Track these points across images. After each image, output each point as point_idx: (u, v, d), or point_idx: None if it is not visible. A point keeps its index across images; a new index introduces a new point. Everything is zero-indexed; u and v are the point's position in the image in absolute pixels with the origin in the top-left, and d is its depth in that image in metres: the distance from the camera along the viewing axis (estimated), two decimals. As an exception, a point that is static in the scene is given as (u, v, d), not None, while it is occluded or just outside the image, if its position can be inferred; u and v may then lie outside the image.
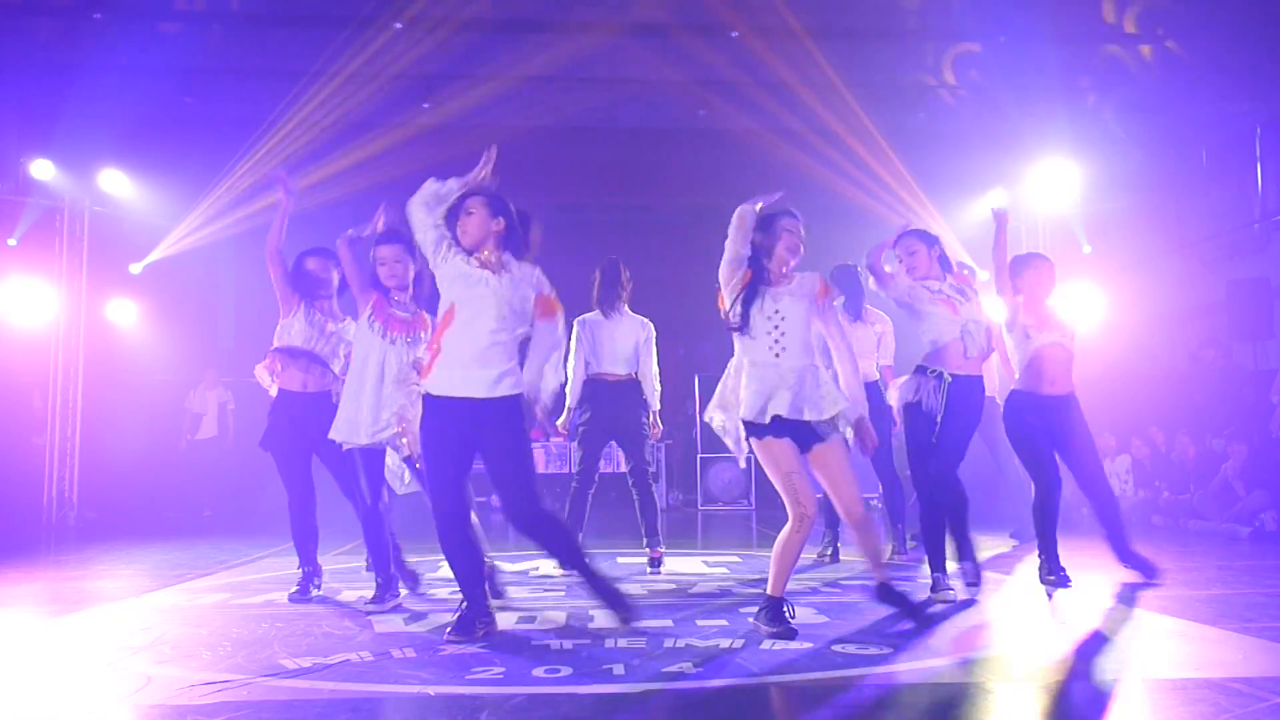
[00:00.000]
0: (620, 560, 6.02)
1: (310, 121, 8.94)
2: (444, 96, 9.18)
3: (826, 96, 9.00)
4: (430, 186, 3.69)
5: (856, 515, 3.69)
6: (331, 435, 4.28)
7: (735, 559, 6.30)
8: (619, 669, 3.07)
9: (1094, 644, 3.53)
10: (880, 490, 6.42)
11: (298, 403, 4.64)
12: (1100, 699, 2.76)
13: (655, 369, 5.72)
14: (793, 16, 8.20)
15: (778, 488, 3.66)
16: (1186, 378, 9.27)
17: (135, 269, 10.37)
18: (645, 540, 5.60)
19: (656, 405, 5.72)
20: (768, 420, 3.61)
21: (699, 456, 11.49)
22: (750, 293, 3.75)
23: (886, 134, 9.46)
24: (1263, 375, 8.41)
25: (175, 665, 3.19)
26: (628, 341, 5.58)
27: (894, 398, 4.61)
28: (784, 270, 3.80)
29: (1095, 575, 4.79)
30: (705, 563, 6.03)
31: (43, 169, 9.27)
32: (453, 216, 3.73)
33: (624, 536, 6.94)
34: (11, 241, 9.42)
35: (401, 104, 9.20)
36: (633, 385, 5.59)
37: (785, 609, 3.59)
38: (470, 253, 3.67)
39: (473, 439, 3.60)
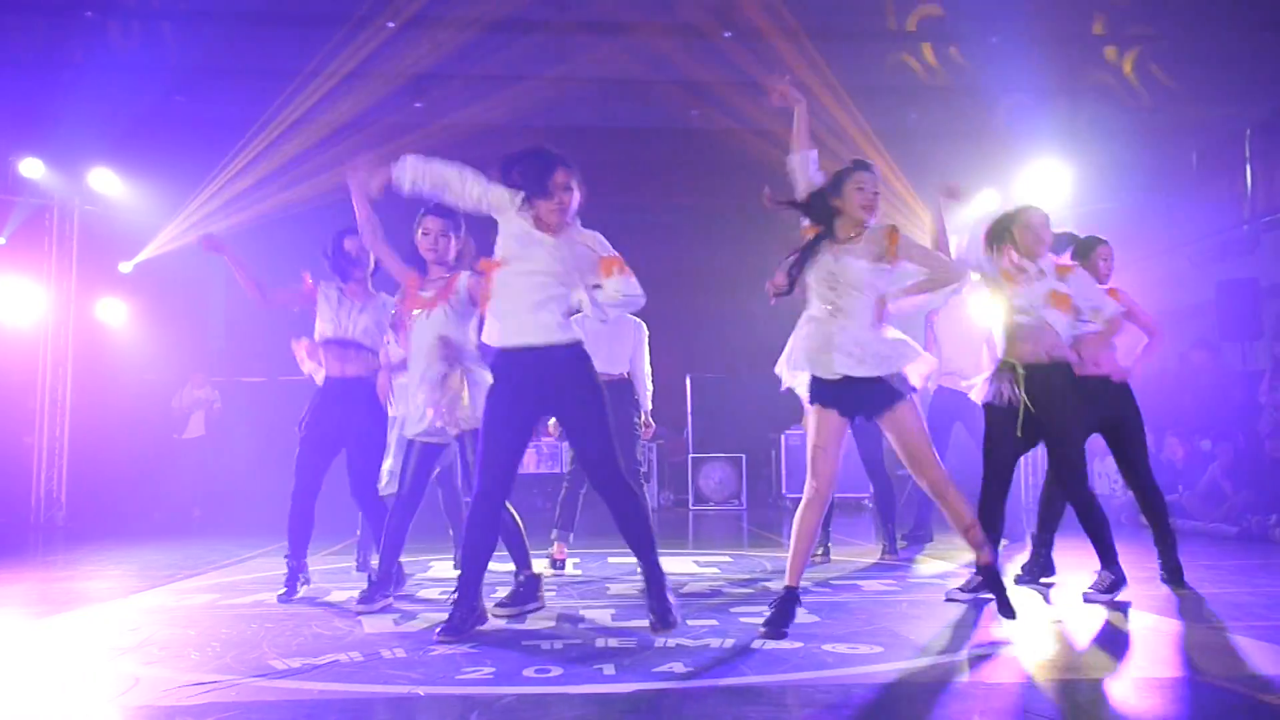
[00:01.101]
0: (611, 560, 6.02)
1: (302, 121, 8.92)
2: (436, 96, 9.17)
3: (820, 96, 9.01)
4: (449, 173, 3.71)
5: (929, 481, 3.65)
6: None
7: (726, 559, 6.30)
8: (609, 669, 3.07)
9: (1082, 642, 3.54)
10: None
11: (332, 389, 4.65)
12: (1087, 697, 2.77)
13: (648, 369, 5.72)
14: (787, 16, 8.22)
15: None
16: (1176, 378, 9.31)
17: (125, 268, 10.34)
18: None
19: (648, 405, 5.72)
20: (809, 376, 3.63)
21: (690, 456, 11.50)
22: (806, 254, 3.69)
23: (879, 133, 9.49)
24: (1251, 375, 8.45)
25: (163, 666, 3.17)
26: (620, 342, 5.59)
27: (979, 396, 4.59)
28: (856, 230, 3.68)
29: (1086, 575, 4.80)
30: (696, 563, 6.03)
31: (32, 167, 9.23)
32: (535, 182, 3.57)
33: (615, 536, 6.92)
34: (0, 240, 9.38)
35: (394, 104, 9.18)
36: (625, 385, 5.59)
37: (795, 607, 3.61)
38: (538, 218, 3.57)
39: (542, 395, 3.55)
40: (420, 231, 4.22)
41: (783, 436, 11.14)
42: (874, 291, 3.64)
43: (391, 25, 8.12)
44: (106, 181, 9.75)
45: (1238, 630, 3.62)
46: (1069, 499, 4.39)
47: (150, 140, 9.29)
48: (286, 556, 4.73)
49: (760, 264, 3.75)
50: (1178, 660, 3.22)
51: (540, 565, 5.52)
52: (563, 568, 5.50)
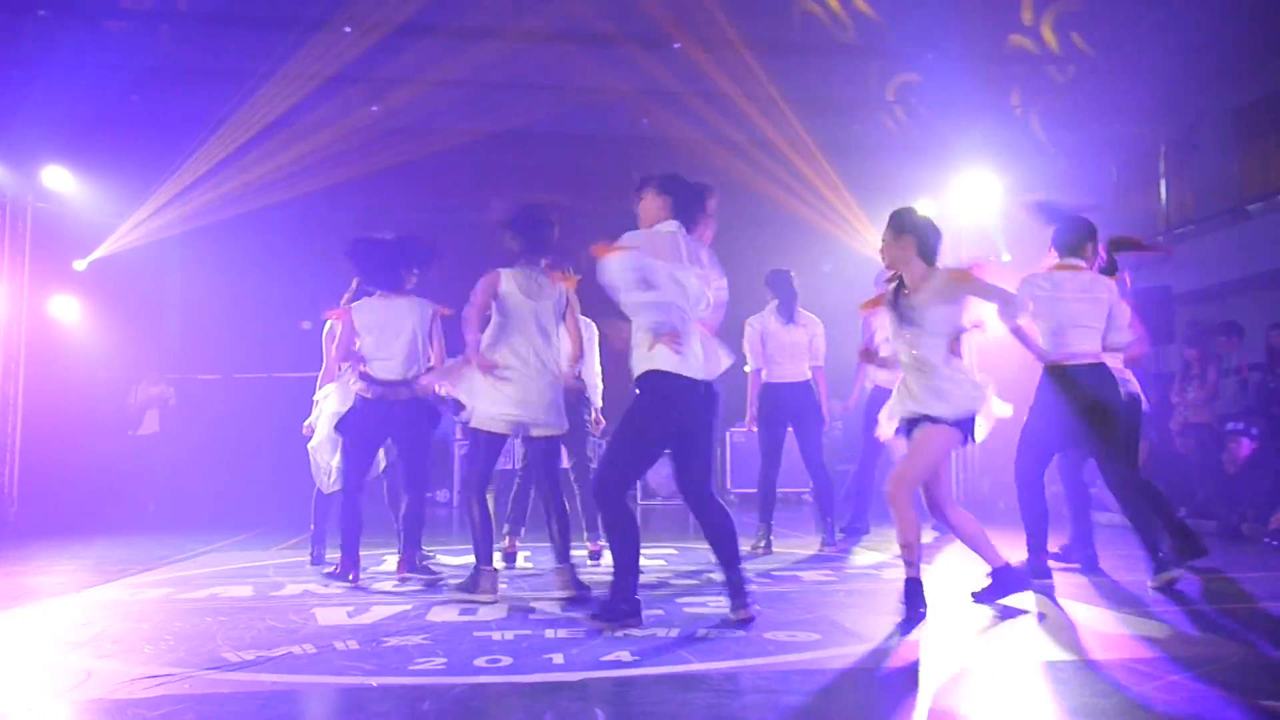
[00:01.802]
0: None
1: (258, 122, 8.75)
2: (392, 99, 9.07)
3: (764, 108, 9.09)
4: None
5: (893, 489, 3.73)
6: None
7: (673, 551, 6.32)
8: (558, 658, 3.07)
9: (1003, 628, 3.61)
10: (811, 485, 6.50)
11: None
12: (1008, 681, 2.83)
13: (597, 367, 5.71)
14: (733, 30, 8.27)
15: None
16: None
17: (79, 265, 10.05)
18: (585, 534, 5.59)
19: (599, 402, 5.72)
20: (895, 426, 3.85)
21: (639, 452, 11.50)
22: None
23: (820, 144, 9.60)
24: (1163, 377, 8.71)
25: (116, 660, 3.10)
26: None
27: None
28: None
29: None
30: (644, 555, 6.01)
31: (-17, 164, 8.93)
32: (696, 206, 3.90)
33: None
34: (-49, 237, 9.05)
35: (350, 106, 9.07)
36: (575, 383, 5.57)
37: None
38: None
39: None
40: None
41: (728, 434, 11.20)
42: (944, 331, 3.73)
43: (348, 30, 8.01)
44: (60, 179, 9.46)
45: (1147, 615, 3.73)
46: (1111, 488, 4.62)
47: (105, 139, 9.03)
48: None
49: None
50: (1089, 644, 3.31)
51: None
52: (514, 562, 5.48)
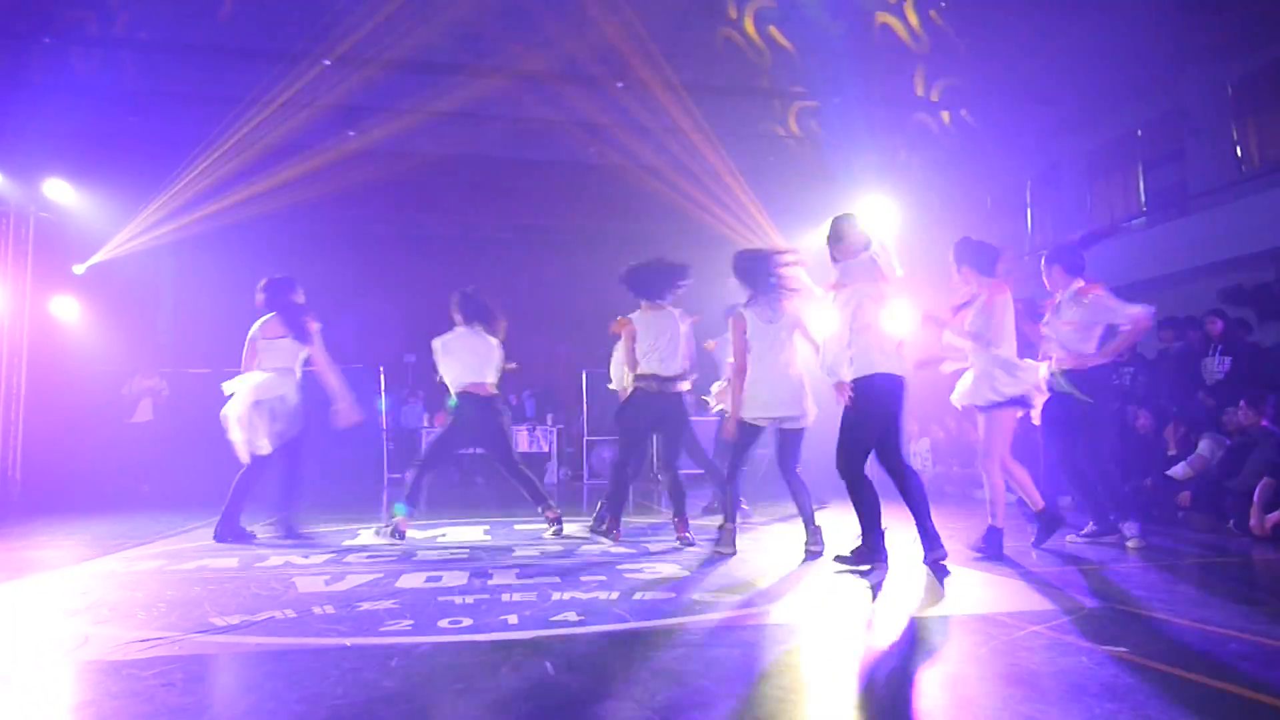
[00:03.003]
0: (517, 527, 5.98)
1: (245, 143, 8.56)
2: (366, 126, 8.94)
3: (695, 141, 9.17)
4: None
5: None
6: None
7: (614, 524, 6.31)
8: (513, 619, 3.05)
9: (892, 588, 3.69)
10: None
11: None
12: (895, 633, 2.91)
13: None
14: (670, 72, 8.33)
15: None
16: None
17: (79, 269, 9.68)
18: (540, 509, 5.59)
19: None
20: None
21: (585, 439, 11.50)
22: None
23: (744, 173, 9.71)
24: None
25: (112, 625, 3.00)
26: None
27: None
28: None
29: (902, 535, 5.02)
30: (588, 528, 6.02)
31: (-12, 176, 8.54)
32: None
33: (520, 506, 6.87)
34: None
35: (328, 131, 8.90)
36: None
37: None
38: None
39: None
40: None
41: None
42: None
43: (327, 62, 7.85)
44: (61, 191, 9.11)
45: (1013, 574, 3.86)
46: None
47: (103, 155, 8.75)
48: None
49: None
50: (965, 601, 3.41)
51: (457, 533, 5.42)
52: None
